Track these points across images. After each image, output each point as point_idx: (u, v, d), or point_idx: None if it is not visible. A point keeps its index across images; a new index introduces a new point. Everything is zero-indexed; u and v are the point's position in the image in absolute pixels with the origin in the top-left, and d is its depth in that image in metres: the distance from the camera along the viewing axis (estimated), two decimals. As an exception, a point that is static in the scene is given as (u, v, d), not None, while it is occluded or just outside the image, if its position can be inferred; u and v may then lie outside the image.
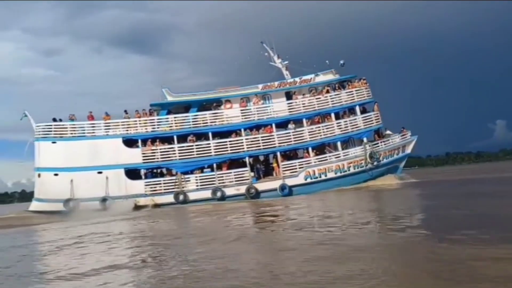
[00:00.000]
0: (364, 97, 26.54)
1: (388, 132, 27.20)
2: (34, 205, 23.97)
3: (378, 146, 25.84)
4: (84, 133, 24.52)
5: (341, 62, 27.41)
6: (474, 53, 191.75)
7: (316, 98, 25.94)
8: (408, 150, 27.06)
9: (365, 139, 25.71)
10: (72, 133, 24.41)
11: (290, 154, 25.92)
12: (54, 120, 24.84)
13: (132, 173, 24.51)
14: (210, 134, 24.94)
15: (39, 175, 24.15)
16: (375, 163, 25.29)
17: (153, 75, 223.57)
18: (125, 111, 25.29)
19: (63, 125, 24.50)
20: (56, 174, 23.71)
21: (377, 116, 26.48)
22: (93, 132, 24.60)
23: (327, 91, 26.40)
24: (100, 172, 23.72)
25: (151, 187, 24.10)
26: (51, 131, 24.34)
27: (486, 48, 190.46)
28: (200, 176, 24.49)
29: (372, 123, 26.20)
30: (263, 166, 25.94)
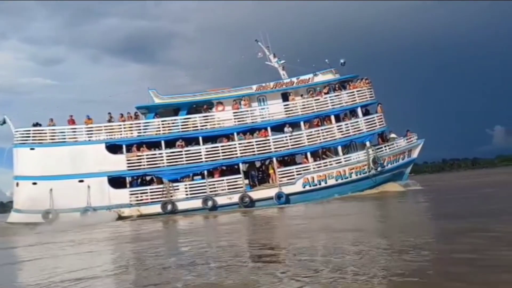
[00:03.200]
0: (366, 98, 24.76)
1: (393, 135, 25.37)
2: (13, 217, 22.28)
3: (382, 150, 24.01)
4: (64, 138, 22.79)
5: (342, 61, 25.68)
6: (472, 59, 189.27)
7: (315, 99, 24.15)
8: (415, 154, 25.25)
9: (368, 143, 23.89)
10: (51, 139, 22.68)
11: (287, 160, 24.12)
12: (35, 125, 23.18)
13: (116, 181, 22.74)
14: (200, 139, 23.17)
15: (17, 184, 22.48)
16: (379, 168, 23.46)
17: (153, 82, 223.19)
18: (109, 113, 23.58)
19: (42, 130, 22.79)
20: (34, 183, 21.99)
21: (381, 118, 24.69)
22: (74, 138, 22.86)
23: (326, 92, 24.62)
24: (81, 181, 21.98)
25: (136, 196, 22.33)
26: (29, 136, 22.67)
27: (484, 54, 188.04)
28: (190, 184, 22.67)
29: (376, 126, 24.43)
30: (258, 173, 24.13)
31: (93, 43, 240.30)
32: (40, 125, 23.24)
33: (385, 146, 24.24)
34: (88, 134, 22.80)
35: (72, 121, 23.10)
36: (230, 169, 23.73)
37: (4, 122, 23.40)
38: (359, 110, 24.45)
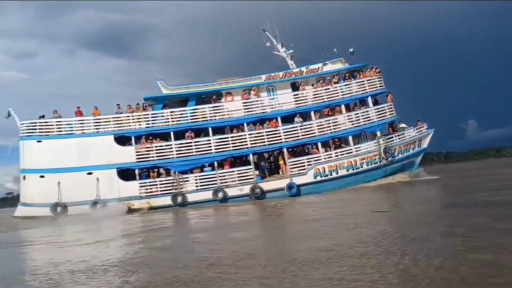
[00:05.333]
0: (376, 87, 24.46)
1: (402, 125, 25.12)
2: (19, 210, 21.97)
3: (393, 140, 23.76)
4: (72, 130, 22.39)
5: (351, 50, 25.32)
6: (444, 53, 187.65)
7: (325, 89, 23.83)
8: (425, 144, 24.98)
9: (378, 133, 23.63)
10: (58, 131, 22.28)
11: (297, 150, 23.83)
12: (40, 117, 22.77)
13: (125, 173, 22.41)
14: (210, 130, 22.83)
15: (24, 177, 22.12)
16: (390, 158, 23.22)
17: (128, 76, 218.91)
18: (118, 105, 23.16)
19: (49, 122, 22.38)
20: (42, 176, 21.64)
21: (391, 107, 24.40)
22: (82, 129, 22.46)
23: (336, 81, 24.30)
24: (90, 173, 21.65)
25: (146, 189, 22.00)
26: (36, 129, 22.27)
27: (458, 49, 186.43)
28: (200, 176, 22.36)
29: (386, 116, 24.13)
30: (268, 164, 23.85)
31: (68, 36, 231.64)
32: (43, 117, 22.84)
33: (395, 136, 24.01)
34: (96, 126, 22.41)
35: (79, 113, 22.71)
36: (239, 160, 23.43)
37: (9, 115, 23.00)
38: (369, 100, 24.16)
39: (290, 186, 21.94)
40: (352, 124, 23.67)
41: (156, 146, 22.39)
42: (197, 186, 22.17)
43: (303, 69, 24.38)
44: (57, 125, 22.29)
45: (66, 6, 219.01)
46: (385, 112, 24.13)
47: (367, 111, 23.92)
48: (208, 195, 21.82)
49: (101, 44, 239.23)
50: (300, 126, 23.19)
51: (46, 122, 22.36)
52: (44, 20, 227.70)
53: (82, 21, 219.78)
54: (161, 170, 23.12)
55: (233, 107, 23.35)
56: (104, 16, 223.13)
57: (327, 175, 22.61)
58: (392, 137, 23.84)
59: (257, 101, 23.50)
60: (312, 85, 24.13)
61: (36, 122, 22.33)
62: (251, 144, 22.74)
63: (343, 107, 23.83)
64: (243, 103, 23.36)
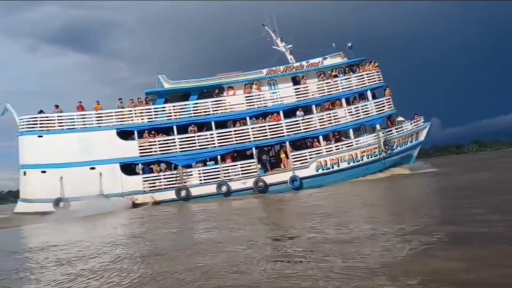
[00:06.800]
0: (375, 81, 24.84)
1: (400, 118, 25.59)
2: (20, 207, 21.69)
3: (392, 133, 24.20)
4: (73, 125, 22.19)
5: (349, 44, 25.63)
6: (409, 51, 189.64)
7: (326, 83, 24.10)
8: (422, 137, 25.47)
9: (378, 126, 24.04)
10: (60, 126, 22.06)
11: (298, 144, 24.07)
12: (39, 112, 22.50)
13: (128, 168, 22.34)
14: (213, 124, 22.89)
15: (24, 173, 21.85)
16: (389, 151, 23.66)
17: (93, 74, 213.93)
18: (120, 99, 23.05)
19: (49, 117, 22.13)
20: (43, 171, 21.41)
21: (389, 101, 24.83)
22: (84, 124, 22.28)
23: (335, 76, 24.60)
24: (92, 168, 21.51)
25: (150, 183, 21.98)
26: (36, 124, 21.99)
27: (421, 46, 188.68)
28: (203, 170, 22.42)
29: (385, 109, 24.54)
30: (271, 157, 24.04)
31: (30, 31, 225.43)
32: (42, 112, 22.58)
33: (394, 129, 24.44)
34: (98, 120, 22.26)
35: (81, 107, 22.50)
36: (241, 154, 23.57)
37: (7, 110, 22.68)
38: (369, 93, 24.53)
39: (293, 179, 22.18)
40: (352, 118, 24.02)
41: (159, 141, 22.36)
42: (200, 180, 22.24)
43: (304, 63, 24.59)
44: (58, 120, 22.05)
45: (27, 2, 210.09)
46: (384, 106, 24.55)
47: (366, 105, 24.30)
48: (212, 189, 21.91)
49: (64, 40, 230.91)
50: (302, 119, 23.43)
51: (47, 117, 22.10)
52: (4, 15, 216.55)
53: (44, 17, 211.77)
54: (162, 165, 23.14)
55: (235, 101, 23.44)
56: (66, 11, 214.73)
57: (329, 168, 22.91)
58: (391, 130, 24.28)
59: (259, 95, 23.65)
60: (320, 76, 24.35)
61: (36, 117, 22.05)
62: (253, 137, 22.90)
63: (343, 100, 24.15)
64: (245, 97, 23.49)
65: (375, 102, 24.43)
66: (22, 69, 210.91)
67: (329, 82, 24.13)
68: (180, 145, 22.45)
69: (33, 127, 21.98)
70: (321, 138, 23.51)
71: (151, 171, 22.59)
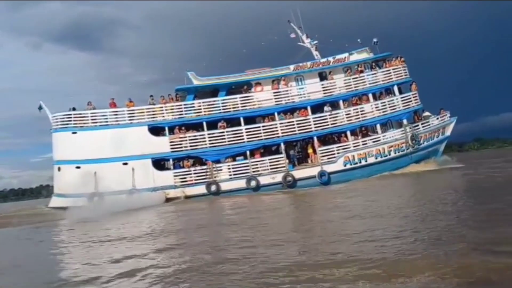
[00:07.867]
0: (401, 76, 24.91)
1: (426, 113, 25.60)
2: (54, 201, 22.28)
3: (418, 128, 24.25)
4: (106, 121, 22.71)
5: (374, 40, 25.74)
6: (413, 49, 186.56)
7: (353, 78, 24.24)
8: (448, 132, 25.47)
9: (405, 121, 24.11)
10: (93, 122, 22.60)
11: (326, 139, 24.25)
12: (72, 110, 23.07)
13: (158, 163, 22.79)
14: (242, 119, 23.20)
15: (59, 169, 22.43)
16: (416, 146, 23.72)
17: (97, 71, 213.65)
18: (151, 96, 23.53)
19: (83, 114, 22.68)
20: (78, 167, 21.95)
21: (416, 96, 24.87)
22: (116, 121, 22.78)
23: (361, 71, 24.71)
24: (125, 163, 21.99)
25: (180, 178, 22.39)
26: (70, 120, 22.55)
27: (427, 44, 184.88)
28: (233, 165, 22.76)
29: (411, 104, 24.59)
30: (298, 153, 24.28)
31: (33, 29, 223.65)
32: (74, 109, 23.13)
33: (420, 124, 24.47)
34: (130, 117, 22.75)
35: (113, 104, 23.01)
36: (268, 150, 23.84)
37: (41, 108, 23.29)
38: (395, 88, 24.58)
39: (321, 174, 22.39)
40: (379, 113, 24.11)
41: (189, 136, 22.76)
42: (230, 175, 22.57)
43: (330, 59, 24.74)
44: (91, 116, 22.59)
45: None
46: (411, 100, 24.59)
47: (393, 100, 24.37)
48: (241, 183, 22.24)
49: (68, 38, 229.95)
50: (329, 115, 23.61)
51: (81, 113, 22.64)
52: (8, 12, 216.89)
53: (47, 14, 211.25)
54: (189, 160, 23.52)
55: (263, 97, 23.72)
56: (71, 8, 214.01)
57: (356, 163, 23.06)
58: (417, 125, 24.31)
59: (286, 90, 23.89)
60: (347, 71, 24.53)
61: (70, 114, 22.59)
62: (282, 133, 23.15)
63: (370, 95, 24.25)
64: (274, 92, 23.75)
65: (402, 97, 24.49)
66: (26, 67, 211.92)
67: (356, 77, 24.25)
68: (209, 140, 22.81)
69: (67, 124, 22.53)
70: (348, 133, 23.65)
71: (181, 167, 23.00)
